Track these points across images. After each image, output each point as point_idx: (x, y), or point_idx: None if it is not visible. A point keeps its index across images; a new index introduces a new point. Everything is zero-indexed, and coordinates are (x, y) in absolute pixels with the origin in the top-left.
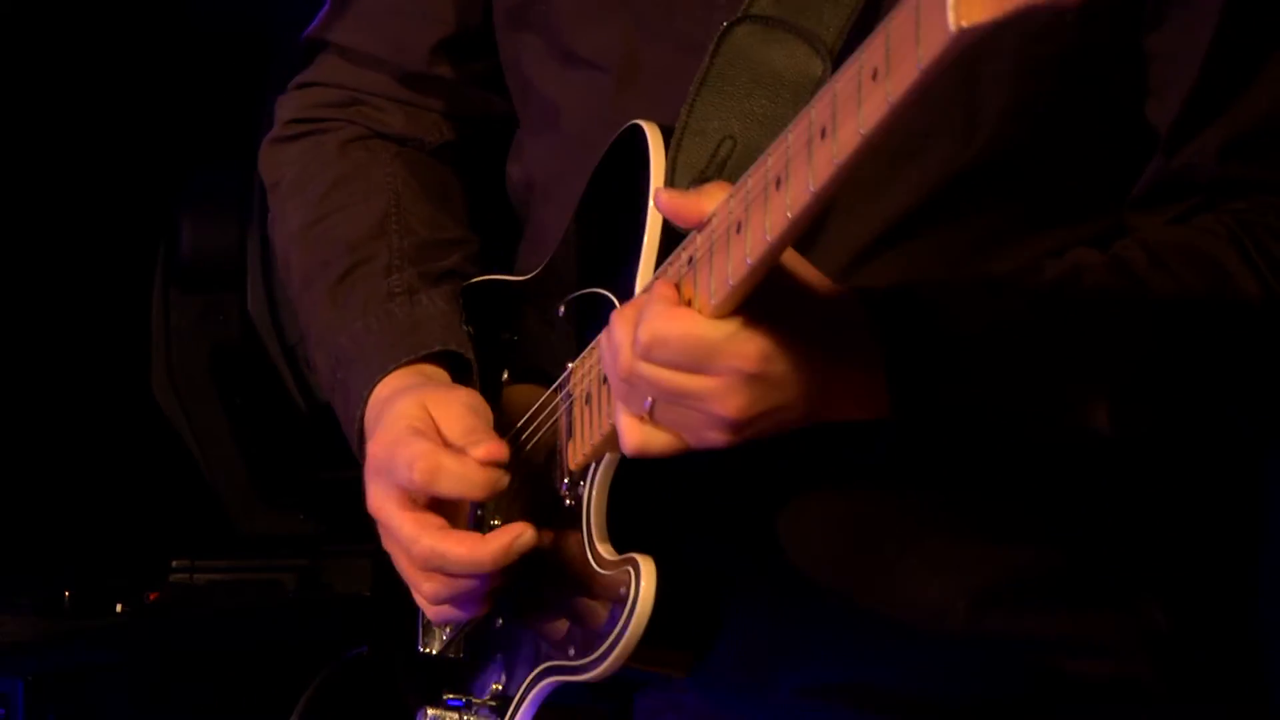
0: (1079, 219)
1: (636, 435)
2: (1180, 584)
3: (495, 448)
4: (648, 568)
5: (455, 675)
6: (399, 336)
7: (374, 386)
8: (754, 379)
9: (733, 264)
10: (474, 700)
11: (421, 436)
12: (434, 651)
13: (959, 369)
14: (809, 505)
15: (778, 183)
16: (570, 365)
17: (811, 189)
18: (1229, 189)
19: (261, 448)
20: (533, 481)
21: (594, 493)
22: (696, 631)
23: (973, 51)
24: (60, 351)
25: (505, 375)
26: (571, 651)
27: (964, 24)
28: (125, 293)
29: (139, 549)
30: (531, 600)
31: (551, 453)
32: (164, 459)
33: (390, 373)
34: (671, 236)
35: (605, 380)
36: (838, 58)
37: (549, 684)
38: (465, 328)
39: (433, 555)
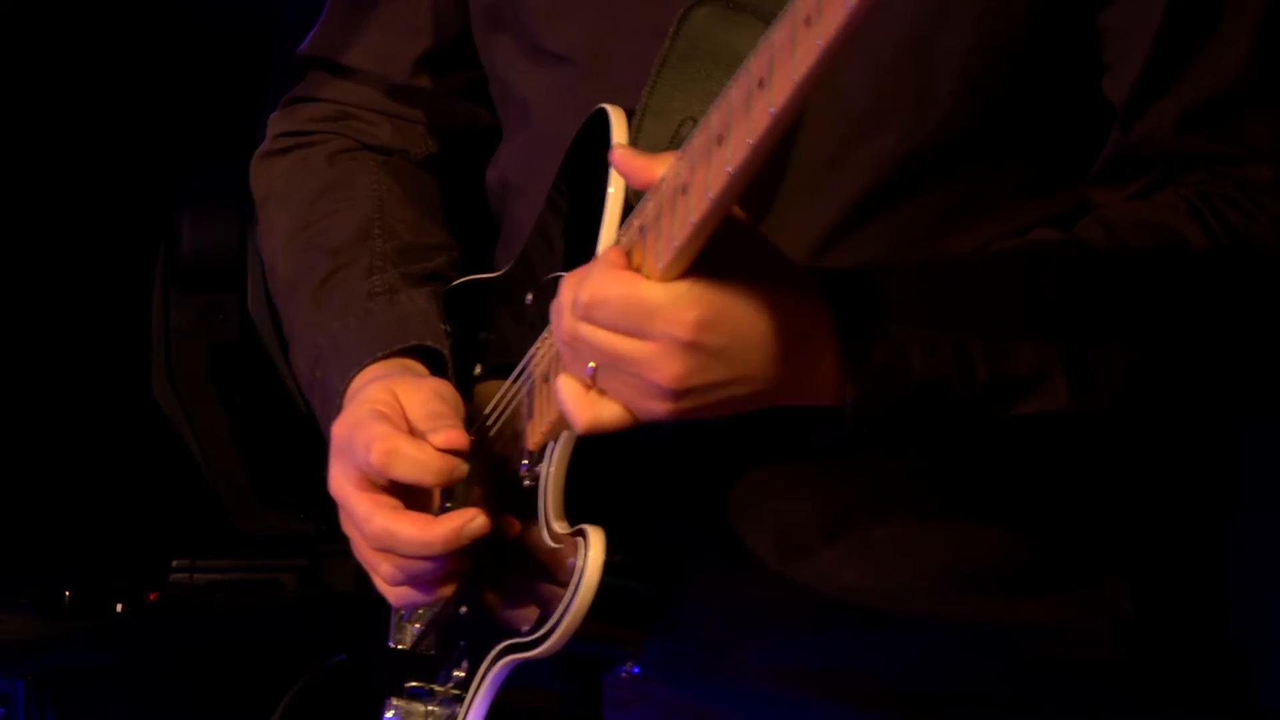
0: (1037, 197)
1: (585, 408)
2: (1147, 570)
3: (454, 435)
4: (596, 537)
5: (419, 666)
6: (377, 332)
7: (350, 380)
8: (690, 346)
9: (677, 224)
10: (436, 689)
11: (383, 420)
12: (404, 646)
13: (918, 346)
14: (771, 484)
15: (719, 140)
16: (534, 349)
17: (749, 141)
18: (1186, 162)
19: (261, 448)
20: (495, 468)
21: (551, 470)
22: (647, 606)
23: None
24: (60, 352)
25: (478, 370)
26: (525, 629)
27: None
28: (125, 293)
29: (139, 549)
30: (491, 584)
31: (513, 437)
32: (164, 459)
33: (366, 366)
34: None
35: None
36: None
37: (505, 665)
38: (444, 326)
39: (384, 534)
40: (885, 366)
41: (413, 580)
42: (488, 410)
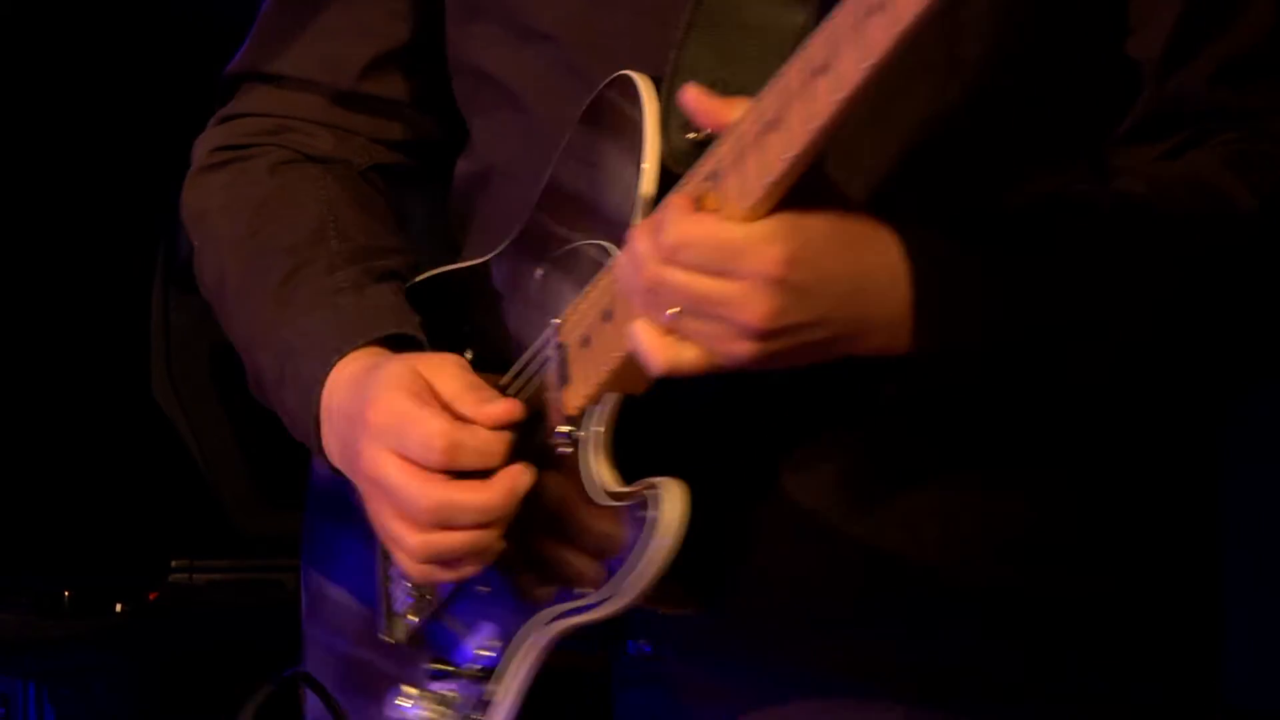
0: (1063, 160)
1: (663, 350)
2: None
3: (506, 406)
4: (673, 487)
5: (425, 652)
6: (350, 324)
7: (330, 369)
8: (779, 283)
9: (768, 161)
10: (458, 670)
11: (429, 407)
12: (398, 639)
13: (989, 293)
14: (825, 448)
15: (823, 69)
16: (555, 320)
17: (865, 63)
18: (1219, 118)
19: (261, 448)
20: (521, 440)
21: (598, 430)
22: (713, 564)
23: None
24: (60, 351)
25: (469, 355)
26: (586, 592)
27: None
28: (125, 293)
29: (139, 549)
30: (529, 555)
31: (541, 408)
32: (164, 459)
33: (345, 354)
34: (669, 180)
35: (607, 318)
36: (823, 2)
37: (555, 633)
38: (416, 316)
39: (442, 505)
40: (957, 309)
41: (450, 555)
42: (501, 385)
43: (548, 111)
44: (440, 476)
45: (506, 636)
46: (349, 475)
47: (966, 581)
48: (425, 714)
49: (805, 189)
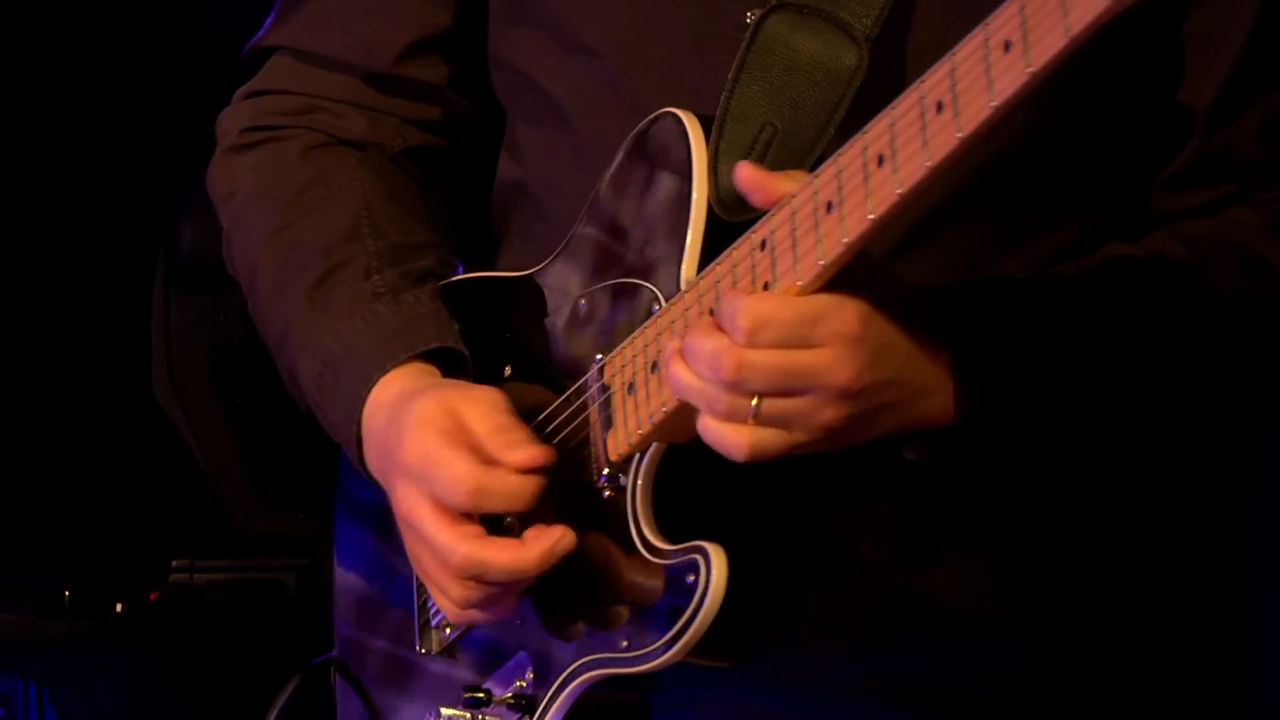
0: (1110, 203)
1: (746, 438)
2: (1187, 573)
3: (536, 452)
4: (718, 556)
5: (462, 674)
6: (391, 335)
7: (372, 386)
8: (860, 341)
9: (825, 244)
10: (494, 697)
11: (457, 449)
12: (432, 652)
13: (1023, 362)
14: (852, 490)
15: (880, 160)
16: (601, 357)
17: (928, 164)
18: (1265, 172)
19: (262, 448)
20: (561, 475)
21: (640, 482)
22: (751, 622)
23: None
24: (60, 351)
25: (508, 371)
26: (624, 644)
27: None
28: (126, 293)
29: (139, 549)
30: (566, 595)
31: (582, 446)
32: (164, 459)
33: (388, 371)
34: (715, 227)
35: (653, 370)
36: (873, 45)
37: (591, 678)
38: (455, 325)
39: (472, 564)
40: (990, 382)
41: (487, 603)
42: (543, 418)
43: (595, 132)
44: (474, 530)
45: (544, 672)
46: (389, 498)
47: (1003, 613)
48: None
49: (856, 260)
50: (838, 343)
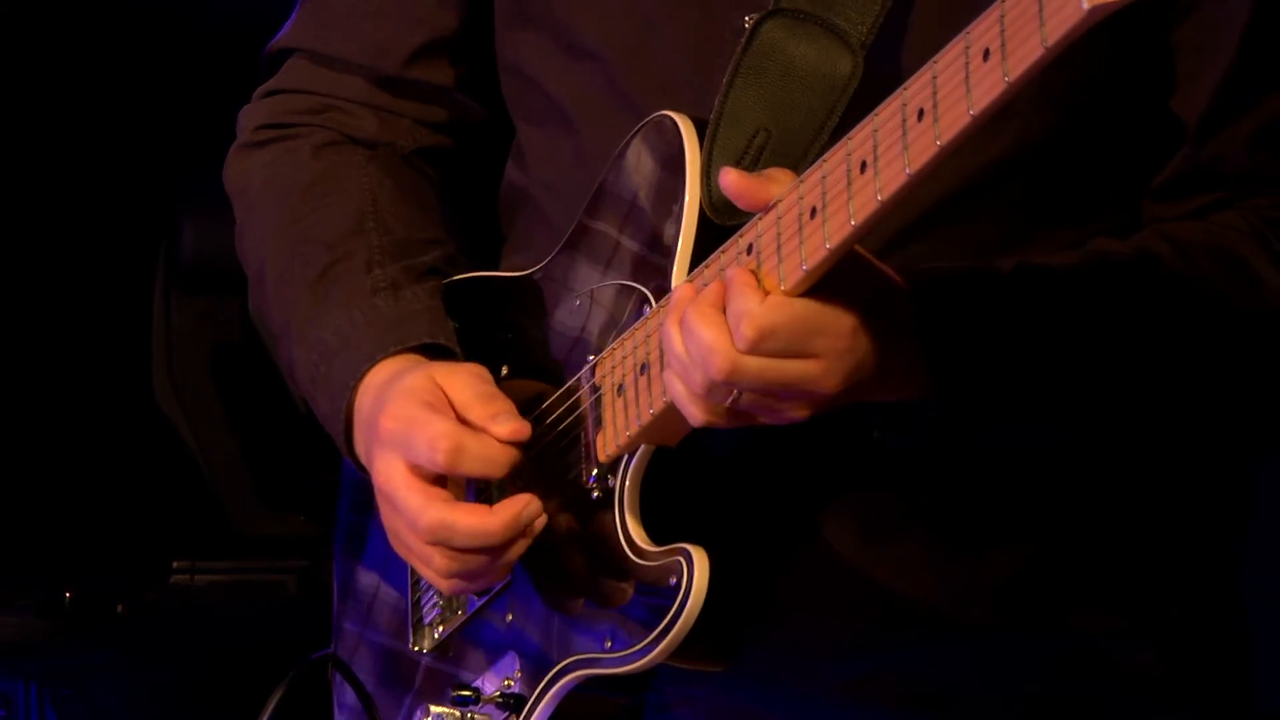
0: (1103, 209)
1: (706, 416)
2: (1191, 579)
3: (519, 427)
4: (700, 558)
5: (452, 672)
6: (385, 329)
7: (362, 375)
8: (848, 353)
9: (807, 249)
10: (482, 695)
11: (438, 413)
12: (424, 649)
13: (994, 349)
14: (838, 492)
15: (862, 166)
16: (593, 358)
17: (908, 171)
18: (1255, 182)
19: (262, 449)
20: (551, 473)
21: (628, 483)
22: (736, 624)
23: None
24: (61, 352)
25: (505, 370)
26: (608, 644)
27: (1097, 1)
28: (126, 294)
29: (139, 549)
30: (552, 593)
31: (572, 445)
32: (164, 460)
33: (378, 361)
34: (707, 230)
35: (643, 371)
36: (869, 53)
37: (577, 678)
38: (450, 323)
39: (440, 526)
40: (962, 363)
41: (467, 571)
42: (536, 415)
43: (596, 134)
44: (444, 494)
45: (531, 670)
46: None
47: (996, 619)
48: None
49: (842, 271)
50: (830, 355)
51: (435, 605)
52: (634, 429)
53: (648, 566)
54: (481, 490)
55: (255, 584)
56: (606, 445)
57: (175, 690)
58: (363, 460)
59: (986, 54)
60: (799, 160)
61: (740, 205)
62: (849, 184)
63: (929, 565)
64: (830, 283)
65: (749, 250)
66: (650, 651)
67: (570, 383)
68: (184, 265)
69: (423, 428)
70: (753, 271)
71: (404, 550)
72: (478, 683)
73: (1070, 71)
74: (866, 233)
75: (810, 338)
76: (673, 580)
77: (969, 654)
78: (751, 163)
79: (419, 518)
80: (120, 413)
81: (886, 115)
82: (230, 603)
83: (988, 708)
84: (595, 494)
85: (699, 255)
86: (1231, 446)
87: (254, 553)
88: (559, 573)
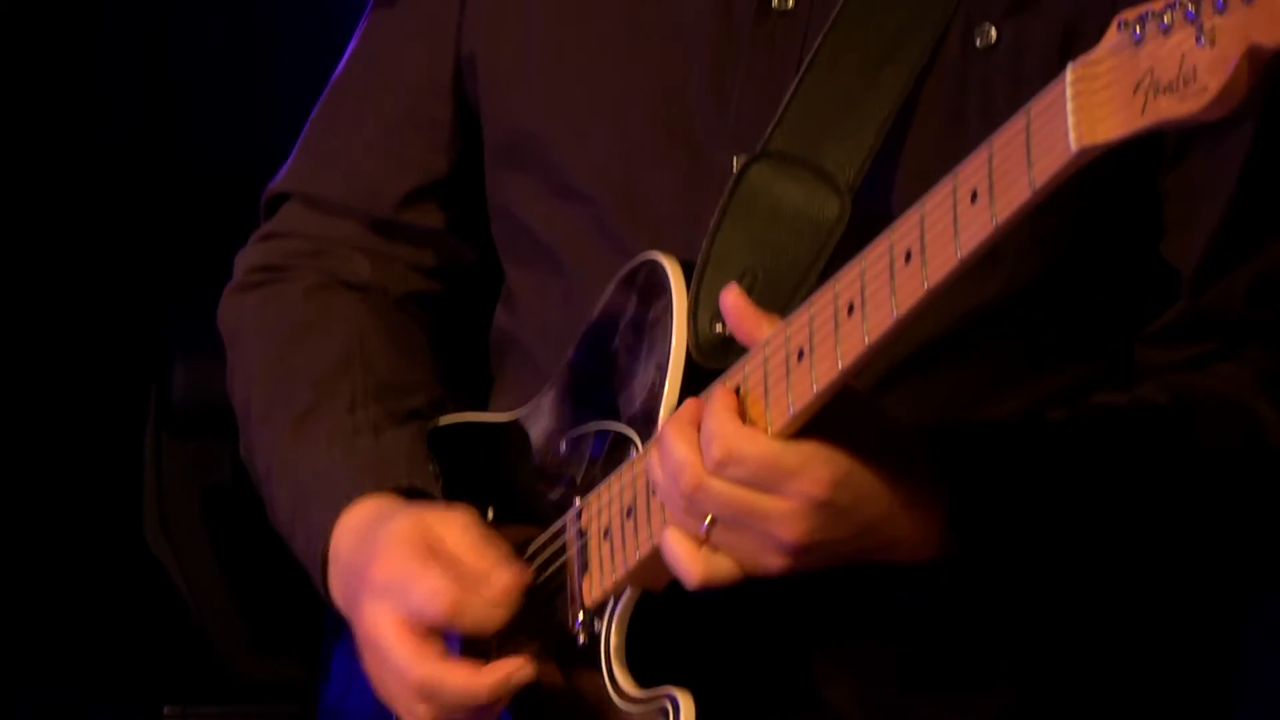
0: (1095, 353)
1: (698, 563)
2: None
3: (518, 575)
4: (686, 703)
5: None
6: (362, 470)
7: (338, 515)
8: (823, 505)
9: (795, 392)
10: None
11: (435, 564)
12: None
13: (1016, 511)
14: (833, 640)
15: (850, 308)
16: (579, 501)
17: (896, 314)
18: (1253, 332)
19: (254, 593)
20: (539, 618)
21: (614, 627)
22: None
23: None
24: (53, 494)
25: (491, 513)
26: None
27: (1087, 143)
28: (118, 437)
29: (130, 693)
30: None
31: (559, 590)
32: (155, 603)
33: (354, 501)
34: (693, 373)
35: (629, 515)
36: (856, 196)
37: None
38: (431, 467)
39: (429, 682)
40: (986, 523)
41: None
42: (523, 559)
43: (585, 276)
44: (435, 649)
45: None
46: (350, 623)
47: None
48: None
49: (840, 403)
50: (801, 500)
51: None
52: (620, 573)
53: (633, 713)
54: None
55: None
56: (592, 589)
57: None
58: (340, 603)
59: (974, 196)
60: (787, 302)
61: (735, 332)
62: (836, 326)
63: (925, 708)
64: (823, 429)
65: (736, 392)
66: None
67: (556, 526)
68: (175, 408)
69: (420, 581)
70: (741, 411)
71: (389, 697)
72: None
73: (1058, 215)
74: (854, 375)
75: (783, 478)
76: None
77: None
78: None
79: (408, 672)
80: (111, 556)
81: (874, 257)
82: None
83: None
84: (581, 639)
85: (685, 398)
86: (1242, 592)
87: (246, 696)
88: (545, 716)
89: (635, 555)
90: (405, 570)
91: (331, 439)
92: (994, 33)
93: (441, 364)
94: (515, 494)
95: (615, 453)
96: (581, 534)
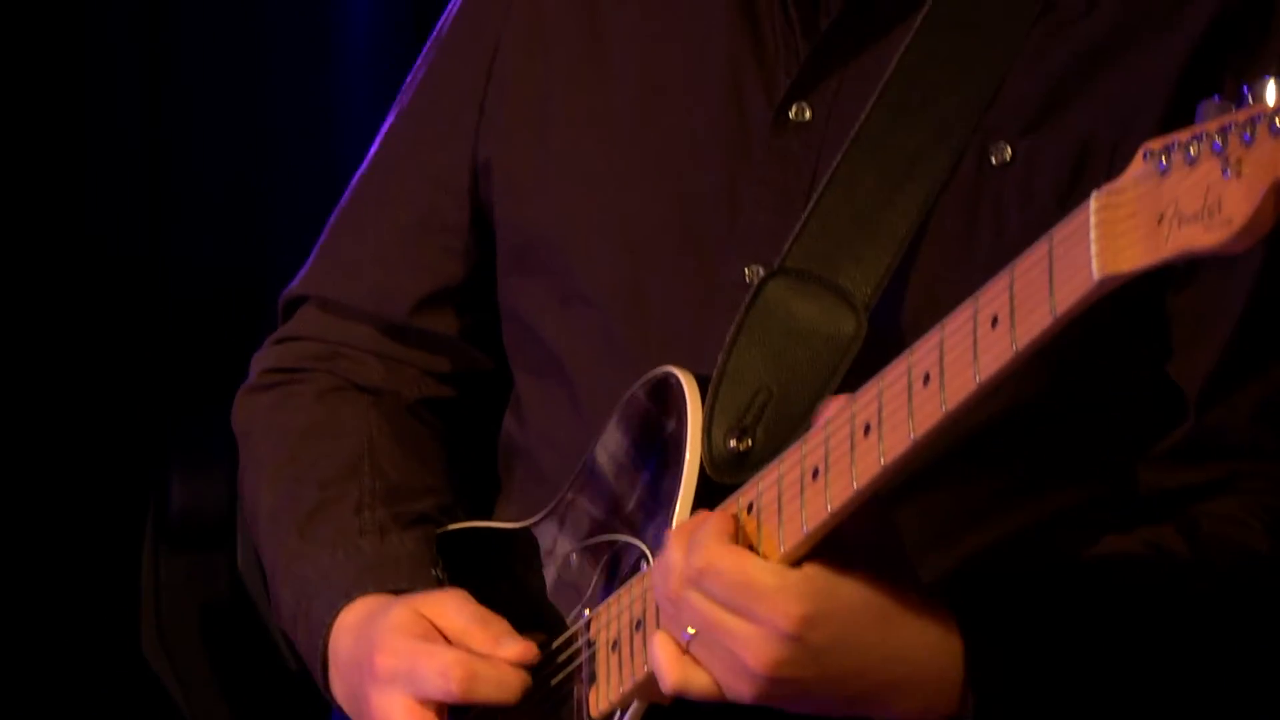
0: (1102, 472)
1: (676, 669)
2: None
3: (528, 647)
4: None
5: None
6: (364, 570)
7: (337, 613)
8: (793, 639)
9: (809, 511)
10: None
11: (439, 642)
12: None
13: (1038, 669)
14: None
15: (866, 429)
16: (589, 612)
17: (912, 436)
18: (1258, 455)
19: (252, 707)
20: None
21: None
22: None
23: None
24: (49, 612)
25: None
26: None
27: (1109, 271)
28: (114, 551)
29: None
30: None
31: (564, 700)
32: (154, 717)
33: (354, 599)
34: (707, 488)
35: (638, 627)
36: (872, 314)
37: None
38: (435, 572)
39: None
40: (1010, 697)
41: None
42: (530, 670)
43: (591, 386)
44: None
45: None
46: None
47: None
48: None
49: (854, 533)
50: (770, 629)
51: None
52: (627, 685)
53: None
54: None
55: None
56: (599, 701)
57: None
58: (344, 703)
59: (995, 321)
60: (800, 421)
61: None
62: (852, 447)
63: None
64: (836, 569)
65: (749, 509)
66: None
67: (564, 637)
68: (172, 521)
69: (429, 659)
70: (753, 531)
71: None
72: None
73: (1066, 333)
74: (870, 495)
75: (754, 600)
76: None
77: None
78: (754, 421)
79: None
80: (108, 670)
81: (892, 378)
82: None
83: None
84: None
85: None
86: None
87: None
88: None
89: (643, 668)
90: (410, 654)
91: (336, 540)
92: (1009, 151)
93: (454, 469)
94: (524, 603)
95: (626, 565)
96: (590, 645)
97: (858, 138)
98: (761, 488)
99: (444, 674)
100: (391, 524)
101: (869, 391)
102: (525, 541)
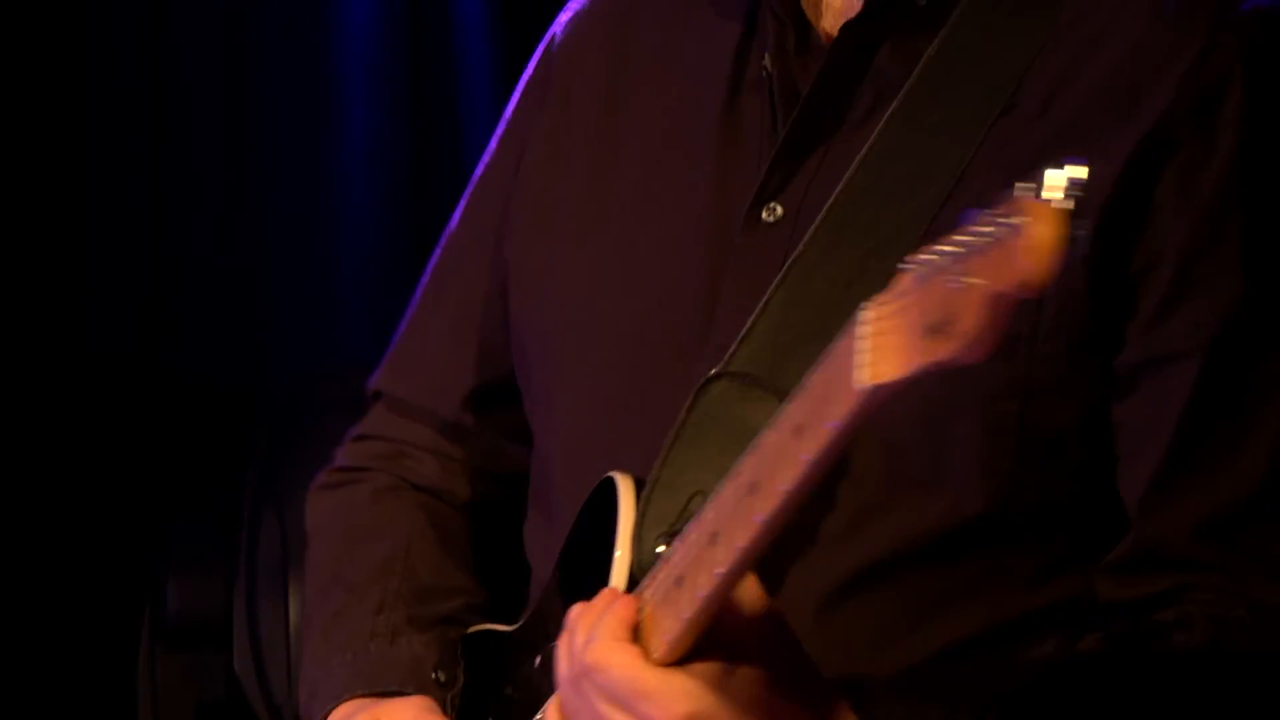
0: (1045, 582)
1: None
2: None
3: None
4: None
5: None
6: (362, 673)
7: (326, 714)
8: None
9: (669, 619)
10: None
11: None
12: None
13: None
14: None
15: (712, 538)
16: (540, 714)
17: (740, 545)
18: (1199, 568)
19: None
20: None
21: None
22: None
23: (887, 412)
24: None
25: None
26: None
27: (876, 381)
28: (111, 652)
29: None
30: None
31: None
32: None
33: (343, 701)
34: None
35: None
36: None
37: None
38: (439, 674)
39: None
40: None
41: None
42: None
43: (565, 492)
44: None
45: None
46: None
47: None
48: None
49: (744, 637)
50: None
51: None
52: None
53: None
54: None
55: None
56: None
57: None
58: None
59: (799, 430)
60: None
61: None
62: (700, 556)
63: None
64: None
65: (640, 608)
66: None
67: None
68: (168, 622)
69: None
70: (636, 619)
71: None
72: None
73: (1003, 441)
74: (717, 603)
75: (636, 698)
76: None
77: None
78: (685, 523)
79: None
80: None
81: (731, 488)
82: None
83: None
84: None
85: None
86: None
87: None
88: None
89: None
90: None
91: (349, 642)
92: None
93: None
94: (508, 702)
95: None
96: None
97: (812, 239)
98: (648, 593)
99: None
100: (406, 626)
101: (714, 501)
102: (511, 643)
